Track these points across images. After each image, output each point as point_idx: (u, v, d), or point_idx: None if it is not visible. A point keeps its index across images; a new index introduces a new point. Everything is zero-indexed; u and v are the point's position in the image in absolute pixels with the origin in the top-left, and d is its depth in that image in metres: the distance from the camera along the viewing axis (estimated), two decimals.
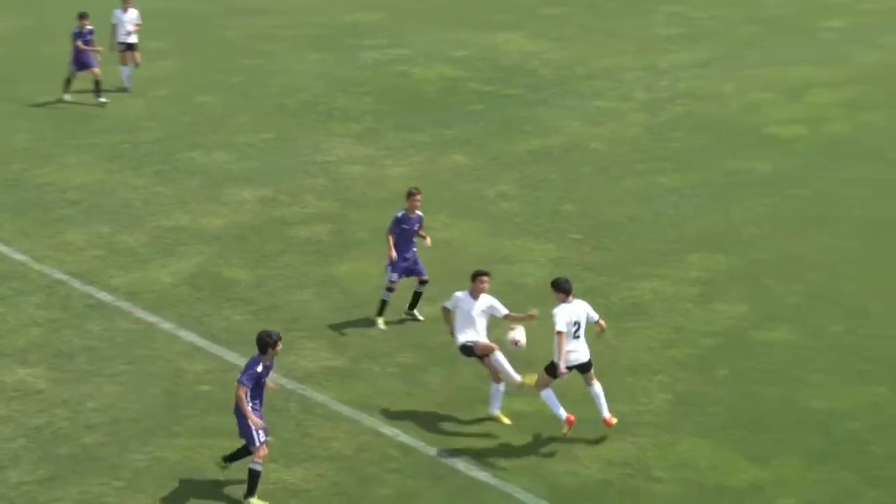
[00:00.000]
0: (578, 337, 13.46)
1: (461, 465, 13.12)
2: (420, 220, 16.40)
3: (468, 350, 14.05)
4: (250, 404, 12.17)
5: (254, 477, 12.25)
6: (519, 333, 13.80)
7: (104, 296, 16.97)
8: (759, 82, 26.83)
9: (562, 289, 13.52)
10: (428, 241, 16.47)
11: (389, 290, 16.19)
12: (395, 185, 21.40)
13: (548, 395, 13.58)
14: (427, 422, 13.95)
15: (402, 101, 25.95)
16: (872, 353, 15.15)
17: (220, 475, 12.78)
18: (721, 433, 13.59)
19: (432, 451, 13.40)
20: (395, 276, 16.15)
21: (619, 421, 13.72)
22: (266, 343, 12.33)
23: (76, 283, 17.32)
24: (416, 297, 16.45)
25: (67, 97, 25.09)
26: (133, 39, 25.82)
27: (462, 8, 34.89)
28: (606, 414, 13.55)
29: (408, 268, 16.24)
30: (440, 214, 20.11)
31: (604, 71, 28.00)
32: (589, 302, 16.35)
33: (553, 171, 21.90)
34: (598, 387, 13.64)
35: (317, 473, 12.97)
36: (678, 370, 14.91)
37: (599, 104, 25.73)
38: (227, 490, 12.61)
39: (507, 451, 13.37)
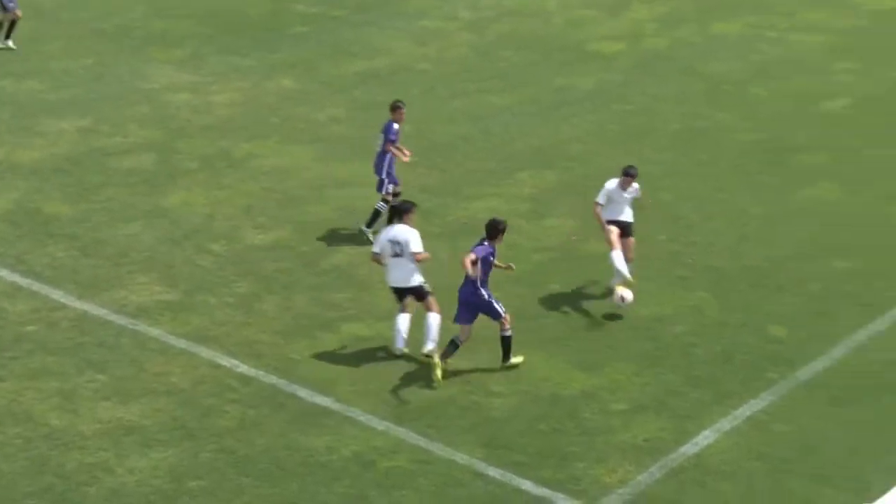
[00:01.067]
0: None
1: (302, 392, 13.11)
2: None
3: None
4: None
5: (507, 341, 13.34)
6: (626, 292, 14.26)
7: None
8: None
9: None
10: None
11: (385, 201, 16.08)
12: (220, 112, 20.94)
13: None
14: (266, 350, 13.87)
15: (224, 25, 25.27)
16: (692, 260, 15.77)
17: (55, 418, 12.43)
18: (555, 345, 13.97)
19: (272, 379, 13.34)
20: (390, 187, 16.31)
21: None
22: (497, 230, 13.28)
23: None
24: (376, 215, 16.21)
25: None
26: None
27: None
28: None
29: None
30: (269, 140, 19.81)
31: None
32: (425, 223, 16.47)
33: (382, 93, 21.71)
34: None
35: (154, 408, 12.75)
36: (513, 286, 15.18)
37: (425, 24, 25.64)
38: (58, 434, 12.28)
39: (349, 376, 13.42)
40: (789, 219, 16.77)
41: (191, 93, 21.63)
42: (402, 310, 13.64)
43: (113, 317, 14.21)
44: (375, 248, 13.73)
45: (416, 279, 13.55)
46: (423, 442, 12.24)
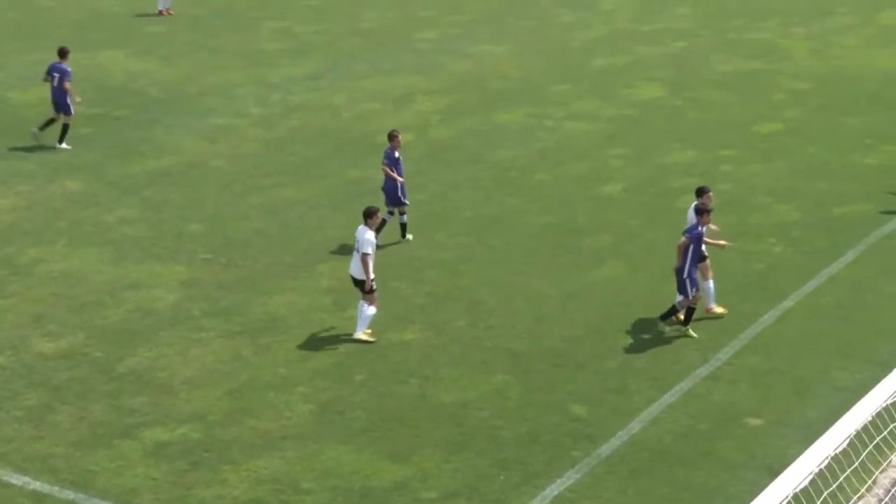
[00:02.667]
0: None
1: None
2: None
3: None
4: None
5: (691, 311, 16.02)
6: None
7: None
8: (366, 93, 27.71)
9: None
10: None
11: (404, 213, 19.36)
12: (3, 217, 20.21)
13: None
14: (61, 464, 13.27)
15: (1, 128, 24.43)
16: (492, 343, 16.09)
17: None
18: (362, 436, 13.94)
19: (69, 494, 12.77)
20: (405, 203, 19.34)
21: (264, 439, 13.72)
22: (703, 210, 16.10)
23: None
24: (403, 227, 19.30)
25: None
26: None
27: (55, 29, 33.38)
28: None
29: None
30: (56, 245, 19.19)
31: (215, 88, 27.82)
32: (225, 320, 16.28)
33: (175, 192, 21.48)
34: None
35: None
36: (318, 380, 15.12)
37: (215, 121, 25.54)
38: None
39: (152, 485, 12.98)
40: (582, 298, 17.40)
41: None
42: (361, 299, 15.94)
43: None
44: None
45: (363, 274, 15.78)
46: None
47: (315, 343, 16.09)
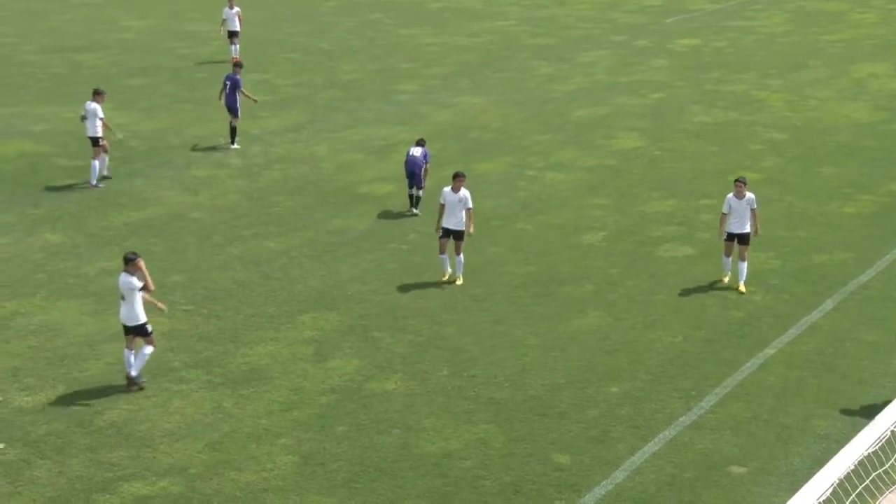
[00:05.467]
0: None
1: None
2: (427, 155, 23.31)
3: None
4: None
5: None
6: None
7: None
8: (347, 143, 27.84)
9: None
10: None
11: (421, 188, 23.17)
12: None
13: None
14: None
15: None
16: (475, 393, 16.05)
17: None
18: (345, 488, 13.83)
19: None
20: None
21: (245, 491, 13.60)
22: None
23: None
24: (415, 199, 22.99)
25: None
26: None
27: (35, 83, 33.48)
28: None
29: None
30: (35, 297, 19.08)
31: (196, 139, 27.89)
32: (206, 371, 16.22)
33: (156, 244, 21.44)
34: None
35: None
36: (300, 431, 15.03)
37: (195, 173, 25.57)
38: None
39: None
40: (564, 347, 17.41)
41: None
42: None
43: None
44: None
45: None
46: None
47: (297, 394, 16.01)
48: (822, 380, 16.43)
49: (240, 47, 35.96)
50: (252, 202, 23.88)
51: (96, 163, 24.36)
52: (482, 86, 33.33)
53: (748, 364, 16.84)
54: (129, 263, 15.98)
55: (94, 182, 24.36)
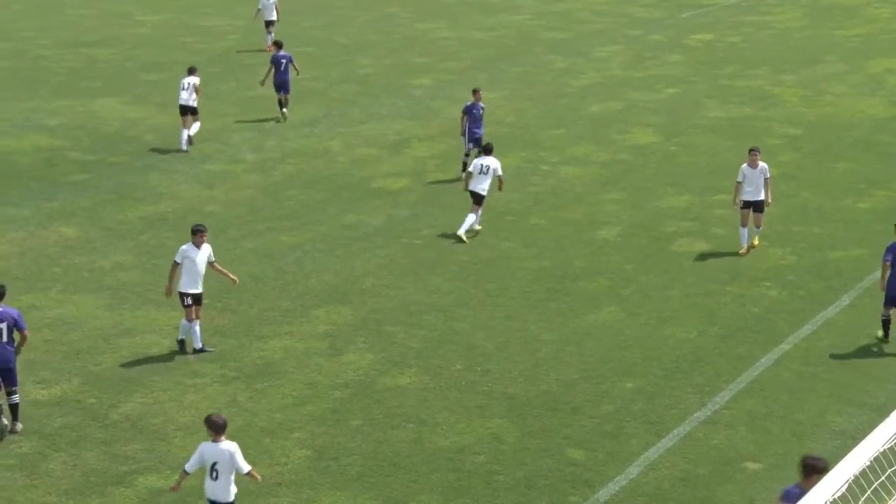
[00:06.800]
0: None
1: None
2: (482, 108, 24.75)
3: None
4: None
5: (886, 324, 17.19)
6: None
7: None
8: (362, 138, 27.84)
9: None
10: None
11: (467, 154, 24.20)
12: None
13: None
14: None
15: None
16: (489, 388, 16.04)
17: None
18: (358, 482, 13.84)
19: None
20: (470, 145, 24.27)
21: (259, 485, 13.63)
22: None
23: None
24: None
25: None
26: None
27: (50, 77, 33.59)
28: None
29: (476, 139, 24.11)
30: (51, 291, 19.16)
31: (210, 134, 27.92)
32: (220, 366, 16.22)
33: (171, 237, 21.47)
34: None
35: None
36: (314, 425, 15.05)
37: (210, 167, 25.62)
38: None
39: None
40: (578, 342, 17.38)
41: None
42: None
43: None
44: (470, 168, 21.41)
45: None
46: None
47: (311, 388, 16.03)
48: (837, 375, 16.37)
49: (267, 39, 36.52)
50: (266, 196, 23.91)
51: (186, 131, 26.36)
52: (497, 80, 33.27)
53: (763, 360, 16.79)
54: (198, 234, 16.80)
55: (185, 147, 26.33)
